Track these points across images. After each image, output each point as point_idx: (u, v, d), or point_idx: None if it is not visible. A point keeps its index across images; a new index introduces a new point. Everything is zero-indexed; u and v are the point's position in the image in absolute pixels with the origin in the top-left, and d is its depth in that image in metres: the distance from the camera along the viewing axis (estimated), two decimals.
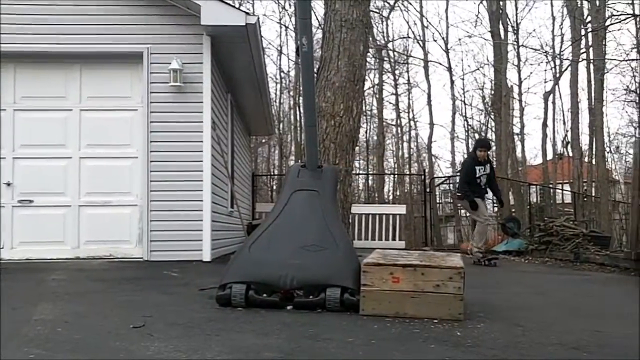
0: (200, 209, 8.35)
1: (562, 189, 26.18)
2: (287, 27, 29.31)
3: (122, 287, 5.81)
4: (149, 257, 8.24)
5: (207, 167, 8.43)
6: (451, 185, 29.17)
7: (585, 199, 23.07)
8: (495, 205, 18.28)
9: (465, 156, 30.05)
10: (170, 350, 3.19)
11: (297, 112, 28.07)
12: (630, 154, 28.65)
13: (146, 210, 8.31)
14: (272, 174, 29.84)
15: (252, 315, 4.22)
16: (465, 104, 32.44)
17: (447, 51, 30.68)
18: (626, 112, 44.69)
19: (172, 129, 8.41)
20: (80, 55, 8.49)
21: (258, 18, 8.76)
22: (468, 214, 12.45)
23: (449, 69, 30.64)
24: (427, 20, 43.26)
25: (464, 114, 32.35)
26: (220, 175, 9.46)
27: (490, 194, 11.10)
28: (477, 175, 10.18)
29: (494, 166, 11.76)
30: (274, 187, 28.03)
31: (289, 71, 30.88)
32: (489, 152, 10.76)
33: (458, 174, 28.93)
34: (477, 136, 31.37)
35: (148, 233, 8.29)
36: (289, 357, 3.14)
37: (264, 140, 24.88)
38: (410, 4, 35.07)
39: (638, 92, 25.19)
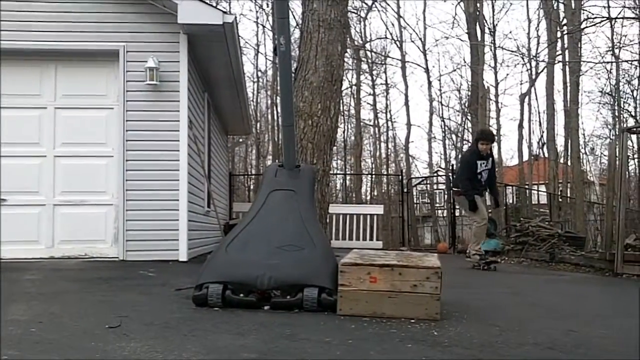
0: (176, 209, 8.30)
1: (538, 190, 26.43)
2: (264, 27, 29.35)
3: (97, 287, 5.75)
4: (125, 256, 8.18)
5: (183, 166, 8.38)
6: (428, 185, 29.41)
7: (560, 200, 23.29)
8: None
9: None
10: (146, 351, 3.16)
11: (275, 112, 28.10)
12: (605, 155, 29.04)
13: (122, 210, 8.24)
14: (249, 173, 29.82)
15: (229, 316, 4.19)
16: (442, 105, 32.74)
17: (424, 52, 30.99)
18: (601, 114, 45.41)
19: (148, 128, 8.35)
20: (56, 53, 8.38)
21: (235, 17, 8.74)
22: (445, 214, 12.29)
23: (426, 70, 30.93)
24: (405, 21, 43.61)
25: (441, 115, 32.64)
26: (197, 174, 9.41)
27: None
28: (479, 171, 9.36)
29: (496, 161, 10.68)
30: (251, 187, 28.01)
31: (266, 70, 30.96)
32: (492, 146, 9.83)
33: (438, 173, 28.89)
34: (454, 137, 31.56)
35: (124, 232, 8.23)
36: (266, 357, 3.12)
37: (241, 140, 24.81)
38: (388, 4, 35.36)
39: (613, 94, 25.51)
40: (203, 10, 8.27)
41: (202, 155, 9.98)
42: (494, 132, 9.71)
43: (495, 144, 10.02)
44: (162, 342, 3.37)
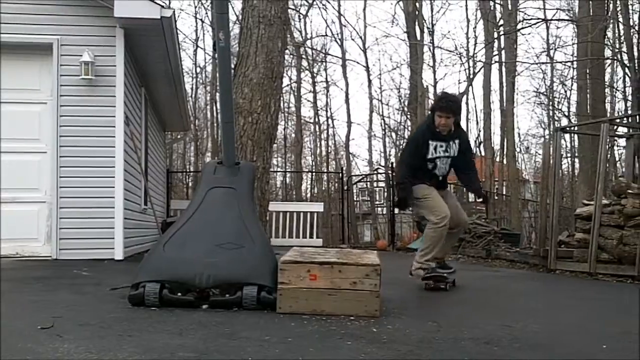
0: (112, 206, 8.15)
1: None
2: (203, 22, 29.09)
3: (29, 287, 5.59)
4: (58, 255, 7.99)
5: (119, 162, 8.23)
6: (368, 183, 29.63)
7: (496, 198, 23.80)
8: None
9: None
10: (80, 352, 3.08)
11: (214, 108, 27.86)
12: (539, 154, 29.78)
13: (55, 207, 8.04)
14: (187, 170, 29.46)
15: (167, 315, 4.12)
16: (382, 103, 32.98)
17: (364, 50, 31.14)
18: (535, 113, 46.53)
19: (83, 124, 8.18)
20: None
21: (174, 11, 8.60)
22: (385, 212, 12.05)
23: (367, 68, 31.09)
24: (345, 19, 43.81)
25: (381, 113, 32.87)
26: (133, 171, 9.25)
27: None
28: (431, 156, 6.16)
29: (470, 144, 7.63)
30: (190, 184, 27.71)
31: (205, 66, 30.69)
32: (458, 119, 6.36)
33: (378, 171, 28.97)
34: (394, 135, 31.83)
35: (57, 231, 8.03)
36: (204, 356, 3.08)
37: (179, 136, 24.49)
38: (329, 2, 35.48)
39: (547, 94, 26.18)
40: (140, 4, 8.11)
41: (139, 151, 9.81)
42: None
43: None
44: (97, 342, 3.29)
